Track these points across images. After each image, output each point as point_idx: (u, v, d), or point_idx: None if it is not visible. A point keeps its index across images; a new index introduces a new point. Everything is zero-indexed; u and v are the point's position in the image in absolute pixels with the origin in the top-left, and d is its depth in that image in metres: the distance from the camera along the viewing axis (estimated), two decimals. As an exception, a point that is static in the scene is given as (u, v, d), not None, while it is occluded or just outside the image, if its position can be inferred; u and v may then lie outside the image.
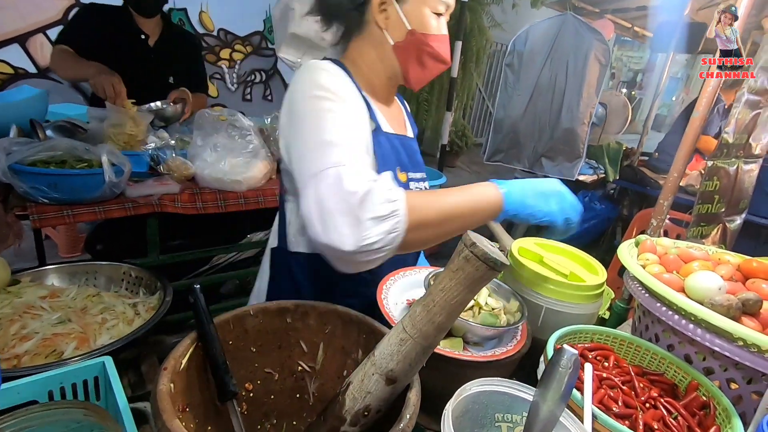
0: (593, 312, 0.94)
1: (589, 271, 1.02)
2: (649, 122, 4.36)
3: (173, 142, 1.75)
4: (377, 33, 0.90)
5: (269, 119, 1.93)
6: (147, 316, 1.14)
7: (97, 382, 0.69)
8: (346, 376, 0.72)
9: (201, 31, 2.92)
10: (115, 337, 1.03)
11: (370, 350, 0.71)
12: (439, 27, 0.89)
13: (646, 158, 3.80)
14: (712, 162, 1.40)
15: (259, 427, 0.68)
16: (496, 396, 0.58)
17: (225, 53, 3.06)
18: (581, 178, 3.40)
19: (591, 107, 3.24)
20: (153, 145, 1.67)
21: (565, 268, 0.97)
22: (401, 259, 1.01)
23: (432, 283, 0.94)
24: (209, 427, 0.60)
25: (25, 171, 1.22)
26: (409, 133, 1.06)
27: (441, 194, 0.76)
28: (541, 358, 0.83)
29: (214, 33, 3.01)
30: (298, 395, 0.72)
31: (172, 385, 0.52)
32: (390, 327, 0.80)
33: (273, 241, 1.02)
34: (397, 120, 1.01)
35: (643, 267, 0.87)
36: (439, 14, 0.88)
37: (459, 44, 3.51)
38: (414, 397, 0.55)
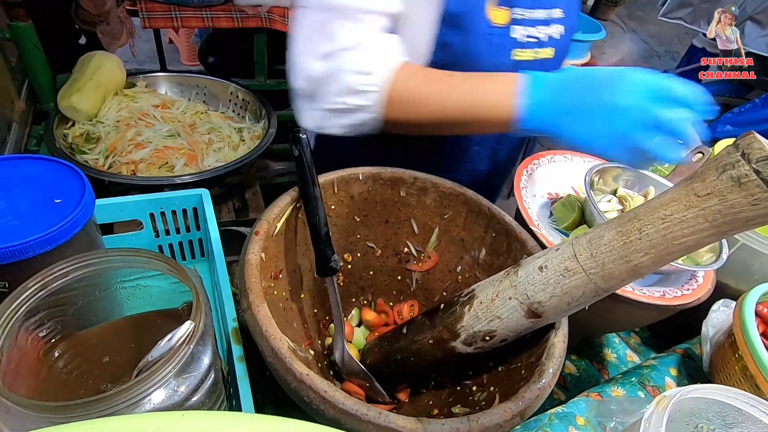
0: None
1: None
2: None
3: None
4: None
5: None
6: (251, 145, 1.10)
7: (196, 213, 0.65)
8: (460, 272, 0.60)
9: None
10: (221, 161, 1.01)
11: (497, 253, 0.56)
12: None
13: None
14: None
15: (353, 300, 0.62)
16: (708, 404, 0.42)
17: None
18: (797, 59, 2.45)
19: None
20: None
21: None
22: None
23: (596, 181, 0.70)
24: (302, 295, 0.54)
25: (132, -45, 1.10)
26: None
27: (439, 88, 0.55)
28: (716, 306, 0.62)
29: None
30: (399, 277, 0.62)
31: (263, 254, 0.43)
32: (527, 228, 0.63)
33: None
34: None
35: None
36: None
37: None
38: (560, 344, 0.41)
